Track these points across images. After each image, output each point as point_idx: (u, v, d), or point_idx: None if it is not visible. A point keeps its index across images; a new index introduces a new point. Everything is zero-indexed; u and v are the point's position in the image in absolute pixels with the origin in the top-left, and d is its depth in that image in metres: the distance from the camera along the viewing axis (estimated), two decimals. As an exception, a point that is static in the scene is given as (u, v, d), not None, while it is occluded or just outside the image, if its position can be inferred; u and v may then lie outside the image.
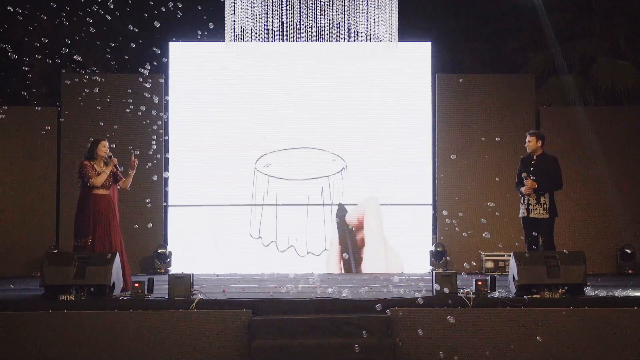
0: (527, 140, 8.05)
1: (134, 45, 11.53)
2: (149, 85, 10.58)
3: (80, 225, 7.56)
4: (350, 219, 10.71)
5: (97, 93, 10.25)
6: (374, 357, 6.28)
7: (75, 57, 11.33)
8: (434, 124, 10.88)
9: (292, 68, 10.67)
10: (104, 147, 7.74)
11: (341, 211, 10.73)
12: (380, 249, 10.58)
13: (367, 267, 10.57)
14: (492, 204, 9.60)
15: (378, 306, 6.58)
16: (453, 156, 10.08)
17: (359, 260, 10.58)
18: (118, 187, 7.91)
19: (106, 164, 7.72)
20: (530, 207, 7.85)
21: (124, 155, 9.47)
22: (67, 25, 11.38)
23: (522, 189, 7.89)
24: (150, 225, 9.85)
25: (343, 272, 10.56)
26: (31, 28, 11.20)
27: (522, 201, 7.97)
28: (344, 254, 10.42)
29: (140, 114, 10.37)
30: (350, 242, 10.64)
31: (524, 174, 7.87)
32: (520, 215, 8.00)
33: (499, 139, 10.08)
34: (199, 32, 9.72)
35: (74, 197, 10.26)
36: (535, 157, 7.97)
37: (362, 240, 10.66)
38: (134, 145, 9.95)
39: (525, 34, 12.31)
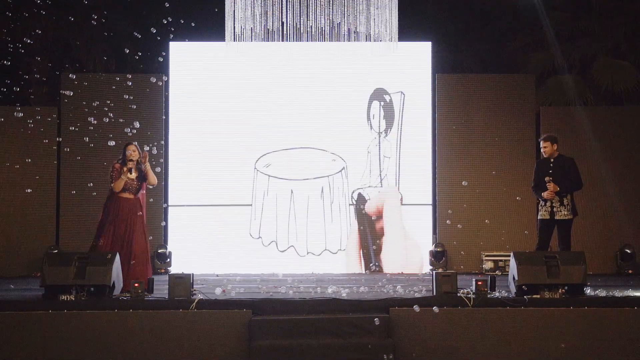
0: (542, 146, 8.03)
1: (134, 45, 11.54)
2: (149, 85, 10.59)
3: (99, 225, 7.53)
4: (370, 208, 10.69)
5: (97, 93, 10.24)
6: (374, 357, 6.28)
7: (75, 56, 11.34)
8: (434, 124, 10.88)
9: (292, 68, 10.69)
10: (129, 151, 7.57)
11: (360, 201, 10.71)
12: (400, 240, 10.62)
13: (386, 258, 10.59)
14: (465, 183, 9.83)
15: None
16: (464, 183, 10.00)
17: (378, 251, 10.60)
18: (150, 186, 7.81)
19: (139, 168, 7.63)
20: (555, 209, 7.80)
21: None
22: (67, 26, 11.38)
23: (545, 194, 7.85)
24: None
25: (363, 267, 10.62)
26: (31, 28, 11.19)
27: (541, 204, 7.93)
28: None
29: (140, 113, 10.38)
30: (370, 232, 10.63)
31: (547, 178, 7.84)
32: (541, 217, 7.94)
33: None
34: (200, 31, 9.73)
35: (74, 197, 10.34)
36: (552, 160, 7.94)
37: (382, 229, 10.68)
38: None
39: (525, 34, 12.29)
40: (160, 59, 10.88)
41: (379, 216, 10.70)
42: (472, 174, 10.68)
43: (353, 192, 10.77)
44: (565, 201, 7.82)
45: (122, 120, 10.09)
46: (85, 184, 10.12)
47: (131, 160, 7.56)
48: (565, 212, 7.82)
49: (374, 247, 10.61)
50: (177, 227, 10.75)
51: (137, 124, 9.18)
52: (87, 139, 10.07)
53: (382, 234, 10.70)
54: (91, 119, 9.37)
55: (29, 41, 11.10)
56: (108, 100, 10.23)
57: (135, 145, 7.68)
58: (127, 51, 10.76)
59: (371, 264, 10.57)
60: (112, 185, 7.56)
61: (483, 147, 10.73)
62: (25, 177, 10.34)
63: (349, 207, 10.79)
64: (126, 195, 7.56)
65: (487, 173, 10.63)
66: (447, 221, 10.35)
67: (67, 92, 9.77)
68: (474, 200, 10.59)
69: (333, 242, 10.75)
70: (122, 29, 11.99)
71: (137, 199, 7.64)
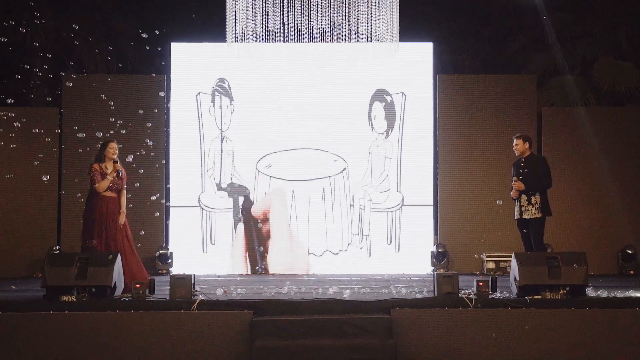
0: (514, 144, 8.08)
1: (135, 46, 11.56)
2: (150, 86, 10.60)
3: (88, 227, 7.54)
4: (256, 211, 10.65)
5: (98, 94, 10.24)
6: (376, 357, 6.28)
7: (76, 57, 11.35)
8: (435, 124, 10.88)
9: (293, 68, 10.69)
10: (112, 149, 7.65)
11: (247, 203, 10.65)
12: (287, 242, 10.58)
13: (272, 263, 10.54)
14: (500, 201, 9.46)
15: None
16: (499, 202, 9.78)
17: (263, 255, 10.54)
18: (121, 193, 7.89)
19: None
20: (523, 208, 7.89)
21: (126, 155, 9.48)
22: (69, 26, 11.39)
23: (511, 193, 7.97)
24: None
25: (249, 271, 10.52)
26: (33, 29, 11.20)
27: (515, 204, 8.01)
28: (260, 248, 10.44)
29: (142, 113, 10.38)
30: (256, 235, 10.56)
31: (514, 177, 7.93)
32: (515, 217, 8.03)
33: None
34: (201, 32, 9.72)
35: (74, 197, 10.32)
36: (524, 159, 7.99)
37: (268, 232, 10.58)
38: (135, 146, 9.97)
39: (526, 34, 12.30)
40: (163, 60, 10.89)
41: (266, 218, 10.62)
42: (474, 174, 10.68)
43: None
44: (533, 200, 7.85)
45: (121, 122, 10.11)
46: (86, 185, 10.11)
47: (112, 158, 7.61)
48: (534, 211, 7.84)
49: (261, 249, 10.56)
50: (178, 228, 10.75)
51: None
52: (87, 140, 10.07)
53: (269, 237, 10.62)
54: (92, 120, 9.36)
55: (30, 42, 11.11)
56: (109, 100, 10.23)
57: (115, 143, 7.72)
58: (128, 52, 10.77)
59: (257, 267, 10.53)
60: (96, 186, 7.54)
61: (484, 148, 10.73)
62: (26, 177, 10.35)
63: (350, 207, 10.80)
64: (110, 194, 7.60)
65: (488, 173, 10.62)
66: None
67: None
68: (475, 201, 10.58)
69: (334, 243, 10.76)
70: (123, 30, 12.01)
71: (118, 197, 7.68)
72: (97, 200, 7.57)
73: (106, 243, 7.47)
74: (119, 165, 7.70)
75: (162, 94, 10.36)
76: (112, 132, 9.94)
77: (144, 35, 9.32)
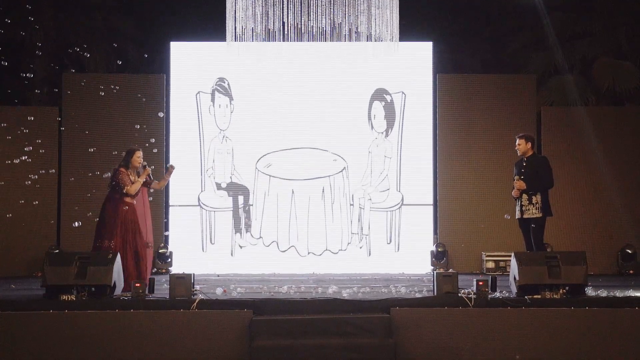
0: (516, 144, 8.07)
1: (135, 45, 11.58)
2: (149, 85, 10.60)
3: (107, 228, 7.53)
4: None
5: (98, 93, 10.24)
6: (375, 357, 6.28)
7: (76, 56, 11.35)
8: (435, 124, 10.88)
9: (293, 68, 10.69)
10: (139, 157, 7.72)
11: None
12: None
13: None
14: (508, 216, 9.20)
15: None
16: (507, 216, 9.60)
17: None
18: (151, 189, 8.00)
19: (139, 174, 7.74)
20: (524, 207, 7.88)
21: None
22: (69, 26, 11.40)
23: (512, 192, 7.97)
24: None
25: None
26: (33, 28, 11.20)
27: (516, 204, 8.01)
28: None
29: (141, 113, 10.38)
30: None
31: (516, 177, 7.93)
32: (516, 217, 8.03)
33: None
34: (201, 31, 9.72)
35: (75, 196, 10.34)
36: (526, 159, 7.99)
37: None
38: (134, 144, 9.96)
39: (526, 34, 12.31)
40: (162, 59, 10.90)
41: None
42: (473, 174, 10.68)
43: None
44: (534, 199, 7.84)
45: (122, 120, 10.10)
46: (86, 184, 10.13)
47: (137, 167, 7.71)
48: (534, 211, 7.84)
49: None
50: (178, 227, 10.75)
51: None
52: (87, 139, 10.08)
53: None
54: (92, 119, 9.33)
55: (30, 41, 11.12)
56: (109, 100, 10.22)
57: (140, 151, 7.80)
58: (128, 52, 10.76)
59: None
60: (128, 188, 7.57)
61: (484, 147, 10.72)
62: (26, 177, 10.33)
63: (350, 207, 10.80)
64: (130, 200, 7.64)
65: (487, 173, 10.62)
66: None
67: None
68: (474, 201, 10.58)
69: (334, 242, 10.75)
70: (123, 29, 12.02)
71: (141, 201, 7.77)
72: (122, 205, 7.57)
73: (122, 246, 7.48)
74: (149, 168, 7.82)
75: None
76: (112, 130, 9.96)
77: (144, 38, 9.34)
